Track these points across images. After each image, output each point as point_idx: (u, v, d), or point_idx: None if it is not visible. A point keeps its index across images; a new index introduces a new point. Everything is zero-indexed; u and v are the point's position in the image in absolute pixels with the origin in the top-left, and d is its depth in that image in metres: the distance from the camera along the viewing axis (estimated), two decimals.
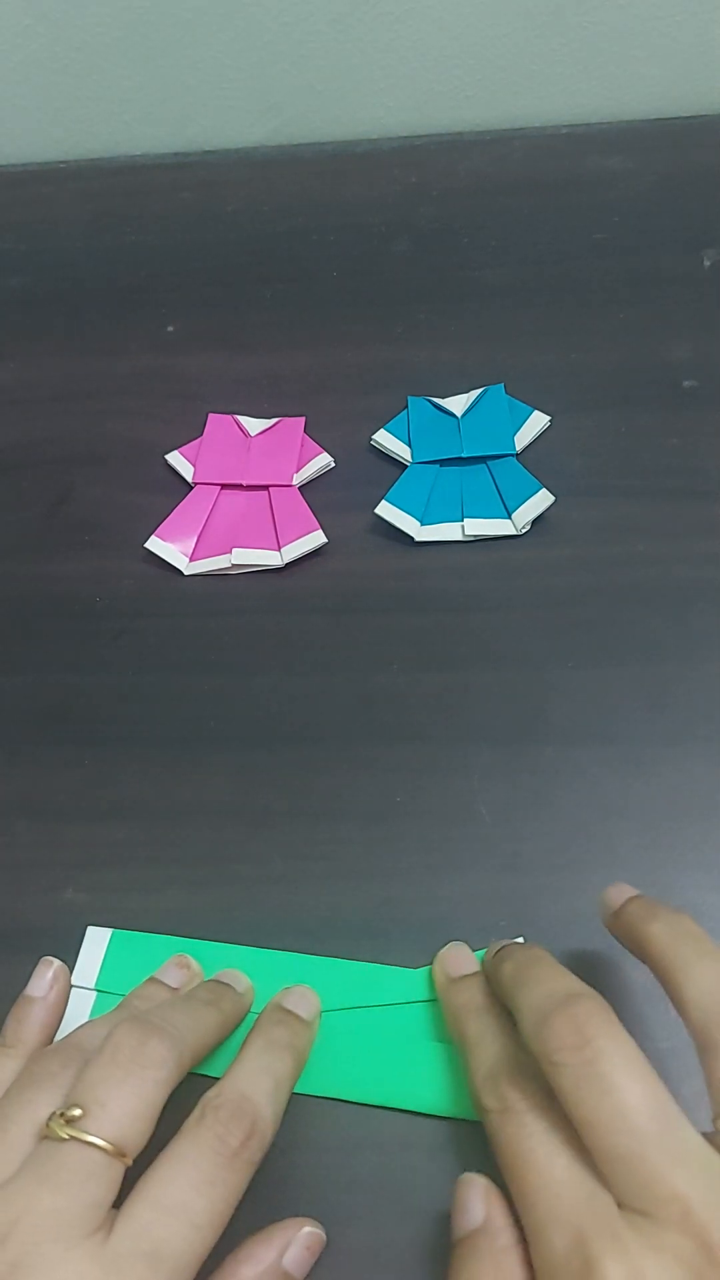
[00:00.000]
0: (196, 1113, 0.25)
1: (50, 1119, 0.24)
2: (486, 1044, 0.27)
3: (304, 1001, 0.31)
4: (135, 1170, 0.24)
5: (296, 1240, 0.27)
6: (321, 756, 0.37)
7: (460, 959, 0.31)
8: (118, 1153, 0.24)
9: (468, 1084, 0.28)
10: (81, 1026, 0.29)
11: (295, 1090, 0.30)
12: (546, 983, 0.26)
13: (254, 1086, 0.26)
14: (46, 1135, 0.24)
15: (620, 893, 0.29)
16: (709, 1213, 0.21)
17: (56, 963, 0.31)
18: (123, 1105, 0.24)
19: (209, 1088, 0.26)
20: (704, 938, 0.26)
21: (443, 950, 0.32)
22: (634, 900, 0.28)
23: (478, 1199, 0.25)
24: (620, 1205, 0.22)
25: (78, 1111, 0.24)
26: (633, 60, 0.52)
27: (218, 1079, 0.27)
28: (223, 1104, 0.25)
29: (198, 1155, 0.24)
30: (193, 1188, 0.24)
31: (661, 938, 0.26)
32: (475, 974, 0.30)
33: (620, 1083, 0.23)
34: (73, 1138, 0.24)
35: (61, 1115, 0.24)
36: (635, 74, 0.53)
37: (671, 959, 0.26)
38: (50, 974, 0.31)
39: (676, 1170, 0.22)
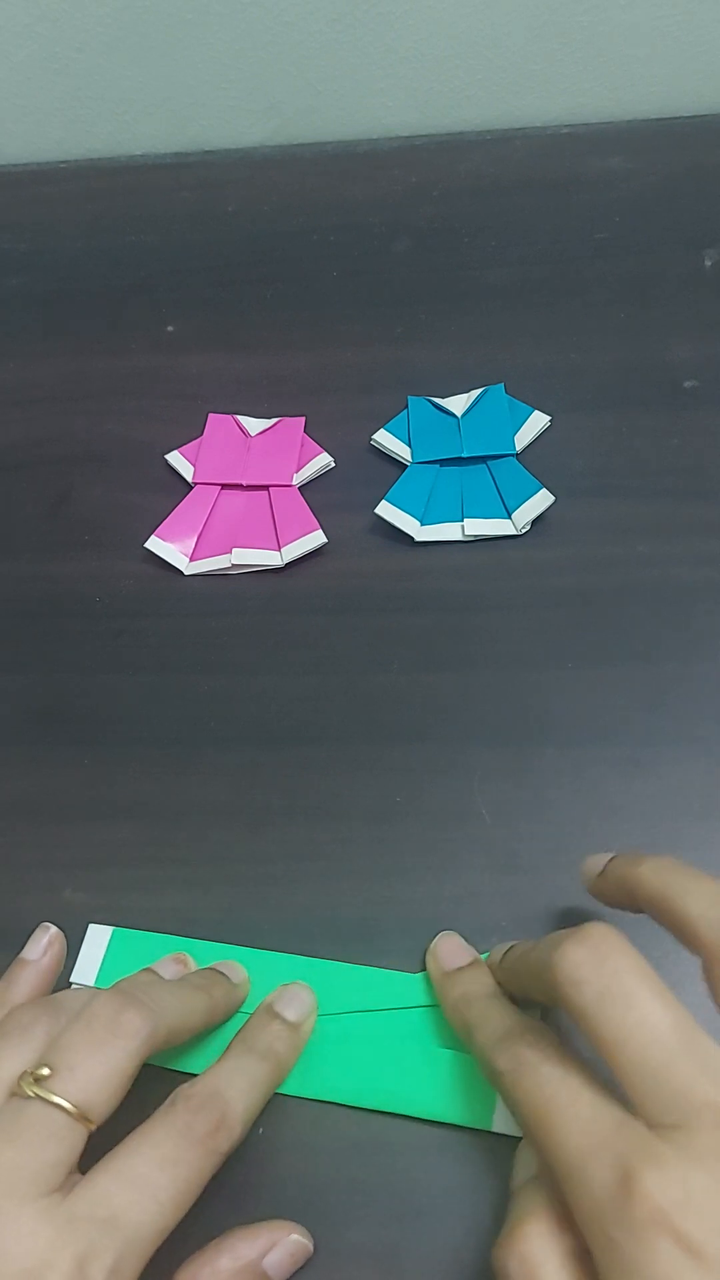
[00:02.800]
0: (168, 1101, 0.26)
1: (20, 1077, 0.25)
2: (491, 1019, 0.27)
3: (295, 1001, 0.31)
4: (105, 1147, 0.25)
5: (282, 1244, 0.27)
6: (321, 756, 0.37)
7: (453, 951, 0.31)
8: (81, 1116, 0.24)
9: (477, 1060, 0.27)
10: (68, 990, 0.29)
11: (293, 1093, 0.30)
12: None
13: (228, 1084, 0.27)
14: (15, 1092, 0.25)
15: (599, 859, 0.29)
16: None
17: (53, 929, 0.32)
18: (91, 1070, 0.25)
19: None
20: (692, 868, 0.26)
21: (434, 942, 0.32)
22: (616, 856, 0.28)
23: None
24: (652, 1126, 0.22)
25: (46, 1071, 0.24)
26: (633, 60, 0.52)
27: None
28: (193, 1095, 0.26)
29: (163, 1135, 0.25)
30: (156, 1164, 0.24)
31: (652, 875, 0.26)
32: (471, 965, 0.30)
33: (642, 997, 0.23)
34: (38, 1096, 0.24)
35: (31, 1074, 0.24)
36: (635, 74, 0.53)
37: (666, 890, 0.26)
38: (46, 939, 0.31)
39: (704, 1078, 0.22)
